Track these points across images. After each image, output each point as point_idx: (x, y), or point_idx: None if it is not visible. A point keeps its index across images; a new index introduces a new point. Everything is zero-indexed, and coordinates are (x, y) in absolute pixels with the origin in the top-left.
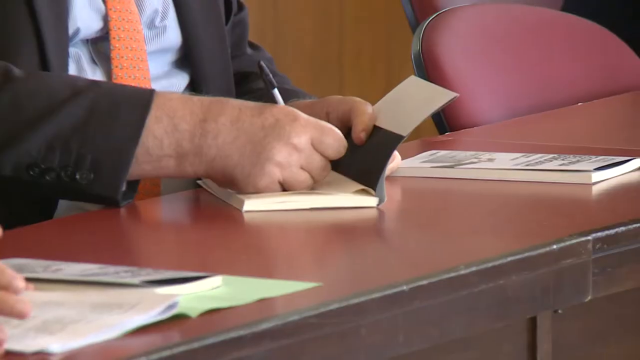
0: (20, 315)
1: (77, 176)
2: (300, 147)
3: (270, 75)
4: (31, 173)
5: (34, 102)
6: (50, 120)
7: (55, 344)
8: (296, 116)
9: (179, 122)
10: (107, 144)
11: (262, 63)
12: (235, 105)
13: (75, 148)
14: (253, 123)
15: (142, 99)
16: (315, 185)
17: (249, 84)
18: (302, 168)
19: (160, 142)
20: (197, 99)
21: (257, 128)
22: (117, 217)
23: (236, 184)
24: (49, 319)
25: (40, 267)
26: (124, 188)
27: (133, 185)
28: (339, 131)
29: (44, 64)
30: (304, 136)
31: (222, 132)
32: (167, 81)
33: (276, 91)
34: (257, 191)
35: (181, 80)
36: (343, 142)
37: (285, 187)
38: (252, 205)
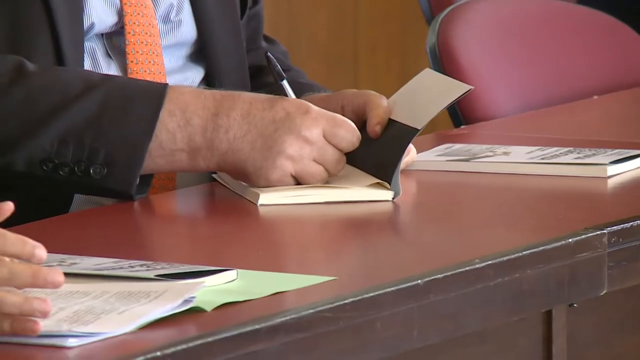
0: (55, 285)
1: (91, 171)
2: (312, 140)
3: (279, 67)
4: (45, 168)
5: (47, 97)
6: (64, 115)
7: (98, 333)
8: (308, 109)
9: (191, 116)
10: (121, 138)
11: (270, 54)
12: (246, 99)
13: (89, 143)
14: (264, 117)
15: (156, 93)
16: (330, 179)
17: (264, 78)
18: (315, 161)
19: (173, 136)
20: (209, 92)
21: (268, 122)
22: (132, 211)
23: (248, 178)
24: (80, 309)
25: (56, 261)
26: (137, 182)
27: (147, 179)
28: (352, 123)
29: (60, 59)
30: (315, 129)
31: (233, 126)
32: (182, 75)
33: (285, 83)
34: (269, 185)
35: (196, 74)
36: (356, 134)
37: (298, 181)
38: (267, 198)
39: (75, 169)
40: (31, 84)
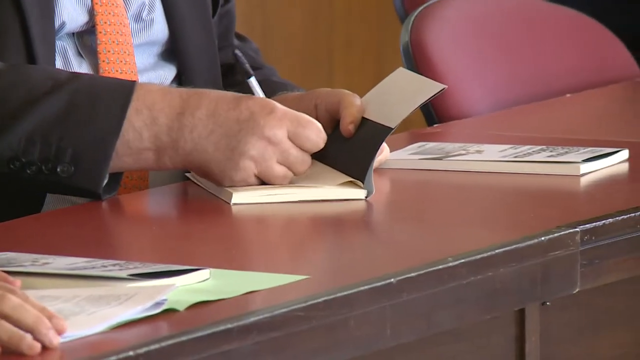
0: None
1: (58, 169)
2: (275, 141)
3: (247, 65)
4: (12, 166)
5: (14, 95)
6: (31, 113)
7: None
8: (272, 109)
9: (157, 114)
10: (88, 136)
11: (238, 52)
12: (213, 97)
13: (55, 141)
14: (228, 117)
15: (123, 91)
16: (301, 178)
17: (236, 76)
18: (279, 162)
19: (139, 134)
20: (176, 91)
21: (232, 122)
22: (105, 211)
23: (213, 178)
24: None
25: (28, 260)
26: (105, 181)
27: (116, 177)
28: (317, 123)
29: (31, 58)
30: (279, 129)
31: (198, 126)
32: (154, 73)
33: (253, 80)
34: (234, 185)
35: (168, 72)
36: (321, 135)
37: (263, 182)
38: (240, 197)
39: (43, 167)
40: None
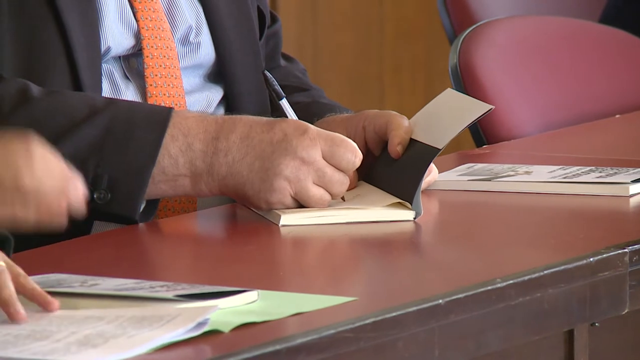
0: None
1: (95, 196)
2: (309, 161)
3: (277, 86)
4: None
5: (51, 122)
6: (68, 140)
7: (100, 357)
8: (305, 130)
9: (192, 140)
10: (124, 163)
11: (267, 73)
12: (247, 122)
13: (92, 168)
14: (262, 139)
15: (160, 118)
16: (350, 199)
17: None
18: (315, 183)
19: (175, 161)
20: (212, 117)
21: (265, 144)
22: (153, 232)
23: (249, 201)
24: (91, 333)
25: (78, 282)
26: (142, 208)
27: (153, 204)
28: (352, 142)
29: (77, 82)
30: (312, 149)
31: (232, 149)
32: (201, 94)
33: (284, 101)
34: (270, 207)
35: (215, 93)
36: (357, 153)
37: (300, 203)
38: (288, 219)
39: None
40: (35, 109)
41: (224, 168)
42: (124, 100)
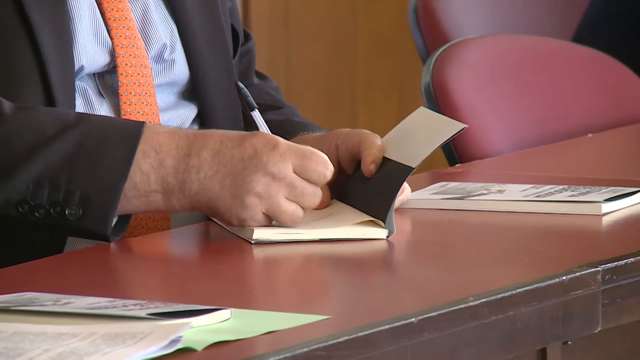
0: None
1: (67, 212)
2: (280, 176)
3: (249, 97)
4: (20, 210)
5: (22, 139)
6: (39, 157)
7: None
8: (276, 144)
9: (164, 157)
10: (96, 179)
11: (240, 84)
12: (218, 137)
13: (64, 184)
14: (233, 155)
15: (131, 134)
16: (322, 217)
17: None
18: (287, 198)
19: (147, 177)
20: (183, 132)
21: (236, 160)
22: (126, 251)
23: (221, 217)
24: (65, 350)
25: (51, 300)
26: (113, 223)
27: (125, 219)
28: (323, 155)
29: (50, 99)
30: (283, 164)
31: (204, 166)
32: (175, 112)
33: (256, 113)
34: (241, 223)
35: (189, 111)
36: (328, 166)
37: (272, 219)
38: (261, 234)
39: (51, 210)
40: (6, 125)
41: (196, 185)
42: (95, 115)
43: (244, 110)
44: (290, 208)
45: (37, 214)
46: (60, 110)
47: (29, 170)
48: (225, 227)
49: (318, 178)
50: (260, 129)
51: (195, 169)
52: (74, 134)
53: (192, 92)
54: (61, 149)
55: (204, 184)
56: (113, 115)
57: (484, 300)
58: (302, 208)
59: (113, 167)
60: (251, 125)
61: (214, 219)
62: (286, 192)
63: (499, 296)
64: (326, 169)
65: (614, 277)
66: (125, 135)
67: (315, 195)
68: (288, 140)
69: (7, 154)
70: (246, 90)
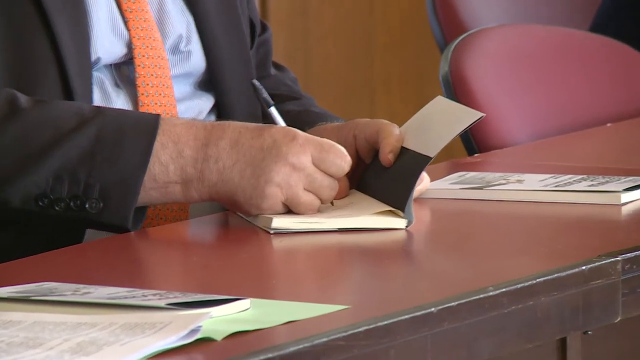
0: None
1: (87, 206)
2: (300, 167)
3: (265, 94)
4: (40, 204)
5: (40, 133)
6: (57, 151)
7: None
8: (295, 136)
9: (182, 147)
10: (115, 172)
11: (256, 82)
12: (236, 128)
13: (83, 178)
14: (252, 145)
15: (148, 126)
16: (341, 207)
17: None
18: (305, 189)
19: (166, 168)
20: (201, 123)
21: (256, 150)
22: (145, 241)
23: (240, 208)
24: (84, 340)
25: (70, 290)
26: (132, 215)
27: (142, 211)
28: (341, 147)
29: (67, 91)
30: (302, 155)
31: (222, 156)
32: (192, 102)
33: (273, 109)
34: (261, 213)
35: (206, 101)
36: (346, 159)
37: (290, 209)
38: (280, 223)
39: (71, 204)
40: (24, 120)
41: (215, 175)
42: (112, 108)
43: (262, 108)
44: (309, 199)
45: (57, 208)
46: (76, 104)
47: (48, 165)
48: (244, 217)
49: (336, 171)
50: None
51: (214, 158)
52: (91, 127)
53: (208, 83)
54: (79, 143)
55: (223, 174)
56: (130, 106)
57: (504, 290)
58: (320, 199)
59: (132, 160)
60: (270, 122)
61: (231, 209)
62: (305, 183)
63: (519, 286)
64: (344, 162)
65: (634, 266)
66: (142, 128)
67: (332, 188)
68: (306, 130)
69: (26, 149)
70: (262, 87)
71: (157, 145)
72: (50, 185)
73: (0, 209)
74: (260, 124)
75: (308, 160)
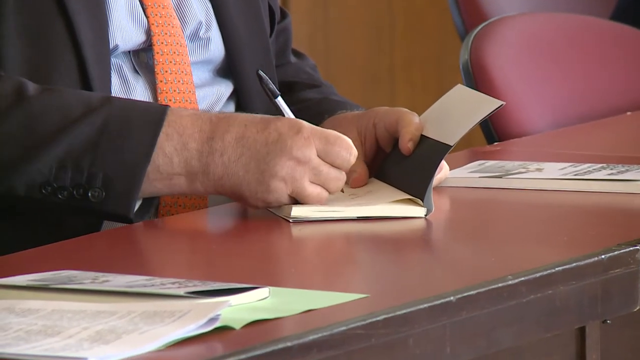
0: None
1: (89, 194)
2: (304, 160)
3: (271, 84)
4: (44, 192)
5: (46, 121)
6: (62, 139)
7: (113, 353)
8: (300, 128)
9: (187, 140)
10: (119, 162)
11: (261, 72)
12: (242, 121)
13: (87, 166)
14: (257, 139)
15: (155, 116)
16: (361, 195)
17: (295, 94)
18: (312, 182)
19: (170, 160)
20: (207, 115)
21: (260, 144)
22: (163, 229)
23: (246, 201)
24: (103, 328)
25: (89, 278)
26: (137, 206)
27: (150, 202)
28: (347, 139)
29: (85, 79)
30: (307, 149)
31: (227, 150)
32: (211, 88)
33: (280, 100)
34: (268, 206)
35: (225, 88)
36: (351, 151)
37: (298, 202)
38: (299, 211)
39: (74, 192)
40: (30, 108)
41: (220, 168)
42: (121, 98)
43: (268, 98)
44: (315, 191)
45: (60, 196)
46: (84, 92)
47: (52, 153)
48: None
49: (342, 163)
50: (286, 116)
51: (219, 152)
52: (98, 116)
53: (227, 69)
54: (84, 132)
55: (229, 168)
56: (149, 92)
57: (523, 279)
58: (328, 191)
59: (136, 150)
60: (310, 110)
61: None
62: (311, 175)
63: (538, 275)
64: (350, 154)
65: None
66: (148, 118)
67: (339, 179)
68: (326, 118)
69: (31, 136)
70: (267, 78)
71: (162, 136)
72: (54, 173)
73: (7, 196)
74: (266, 116)
75: (313, 153)
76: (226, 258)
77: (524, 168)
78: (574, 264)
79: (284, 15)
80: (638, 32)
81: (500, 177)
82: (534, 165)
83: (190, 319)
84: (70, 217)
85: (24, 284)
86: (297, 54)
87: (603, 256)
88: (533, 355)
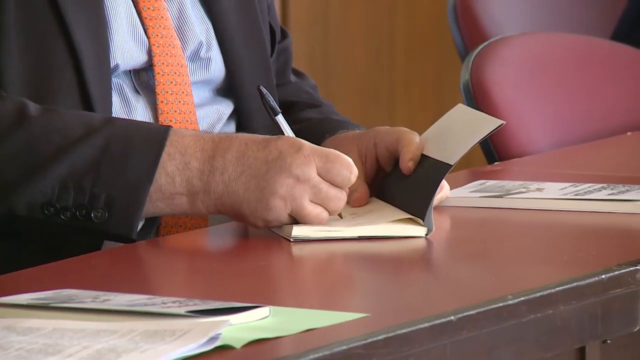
0: None
1: (92, 215)
2: (304, 178)
3: (272, 101)
4: (46, 212)
5: (48, 141)
6: (64, 160)
7: None
8: (300, 147)
9: (189, 159)
10: (121, 182)
11: (262, 88)
12: (243, 140)
13: (89, 187)
14: (257, 157)
15: (157, 136)
16: (361, 214)
17: (296, 114)
18: (312, 201)
19: (172, 179)
20: (209, 135)
21: (261, 162)
22: (164, 248)
23: (246, 220)
24: (104, 347)
25: (89, 297)
26: (139, 226)
27: (152, 222)
28: (347, 158)
29: (86, 98)
30: (306, 167)
31: (228, 168)
32: (211, 107)
33: (280, 117)
34: (268, 225)
35: (225, 107)
36: (352, 169)
37: (298, 221)
38: (300, 231)
39: (77, 213)
40: (32, 128)
41: (220, 187)
42: (123, 119)
43: (268, 115)
44: (315, 211)
45: (63, 217)
46: (85, 113)
47: (54, 173)
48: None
49: (342, 181)
50: (285, 134)
51: (220, 170)
52: (100, 137)
53: (228, 89)
54: (86, 152)
55: (229, 187)
56: (149, 112)
57: (523, 298)
58: (328, 211)
59: (138, 170)
60: (313, 129)
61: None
62: (310, 194)
63: (538, 295)
64: (350, 173)
65: None
66: (151, 138)
67: (339, 198)
68: (327, 138)
69: (33, 156)
70: (269, 94)
71: (164, 156)
72: (56, 193)
73: (7, 216)
74: (267, 136)
75: (313, 172)
76: (227, 277)
77: (524, 188)
78: (574, 284)
79: (284, 34)
80: (638, 53)
81: (501, 197)
82: (535, 185)
83: (191, 338)
84: (72, 236)
85: (25, 302)
86: (297, 73)
87: (603, 276)
88: None
